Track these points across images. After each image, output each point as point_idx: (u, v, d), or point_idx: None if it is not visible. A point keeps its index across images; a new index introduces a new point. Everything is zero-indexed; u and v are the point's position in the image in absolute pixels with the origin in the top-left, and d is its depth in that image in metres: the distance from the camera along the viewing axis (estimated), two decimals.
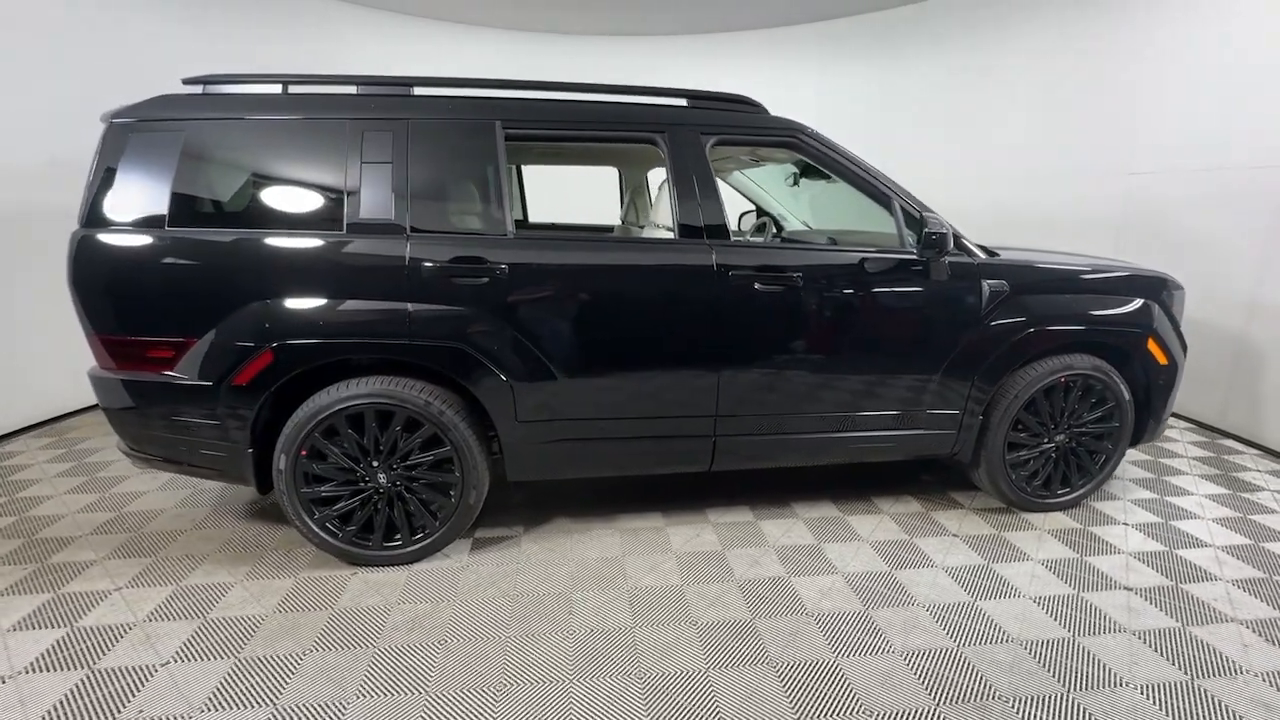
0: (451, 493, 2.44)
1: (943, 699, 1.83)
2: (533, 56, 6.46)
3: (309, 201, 2.27)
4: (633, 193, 3.69)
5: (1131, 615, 2.22)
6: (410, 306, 2.25)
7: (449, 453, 2.37)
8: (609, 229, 3.96)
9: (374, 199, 2.25)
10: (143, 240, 2.17)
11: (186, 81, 2.32)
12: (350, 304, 2.23)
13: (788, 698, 1.83)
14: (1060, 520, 2.87)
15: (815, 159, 2.60)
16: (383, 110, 2.31)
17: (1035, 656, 2.01)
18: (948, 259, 2.55)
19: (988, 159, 5.27)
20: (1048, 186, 4.87)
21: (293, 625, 2.13)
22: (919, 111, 5.71)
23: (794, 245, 2.54)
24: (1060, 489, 2.90)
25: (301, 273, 2.22)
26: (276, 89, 2.33)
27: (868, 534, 2.74)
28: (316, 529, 2.37)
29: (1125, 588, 2.37)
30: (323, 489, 2.36)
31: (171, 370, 2.24)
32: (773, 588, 2.35)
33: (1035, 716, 1.77)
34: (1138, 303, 2.76)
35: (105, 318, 2.21)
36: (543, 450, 2.47)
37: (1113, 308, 2.73)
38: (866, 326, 2.55)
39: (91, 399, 4.34)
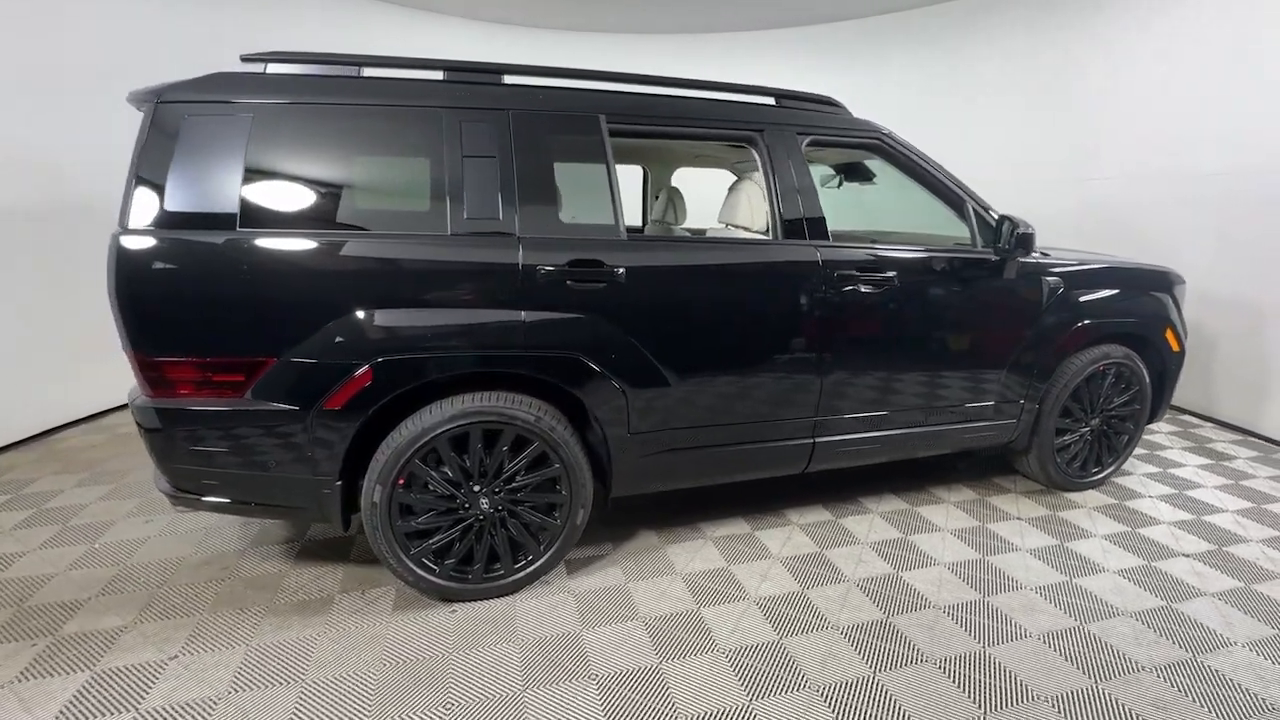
0: (556, 514, 2.26)
1: (1097, 677, 1.92)
2: (527, 51, 6.21)
3: (405, 200, 2.02)
4: (668, 192, 3.60)
5: (1201, 579, 2.44)
6: (524, 315, 2.06)
7: (557, 471, 2.20)
8: (638, 229, 3.85)
9: (479, 197, 2.04)
10: (211, 244, 1.83)
11: (246, 59, 2.00)
12: (458, 314, 2.01)
13: (964, 693, 1.85)
14: (1096, 497, 3.12)
15: (897, 162, 2.66)
16: (480, 99, 2.10)
17: (1149, 626, 2.16)
18: (1020, 259, 2.69)
19: (961, 162, 5.61)
20: (1015, 190, 5.28)
21: (416, 679, 1.88)
22: (897, 119, 5.99)
23: (887, 245, 2.57)
24: (1093, 469, 3.15)
25: (402, 280, 1.96)
26: (347, 71, 2.05)
27: (943, 524, 2.84)
28: (414, 566, 2.12)
29: (1184, 554, 2.61)
30: (418, 520, 2.11)
31: (243, 396, 1.92)
32: (888, 585, 2.38)
33: (1182, 683, 1.90)
34: (1158, 296, 3.05)
35: (158, 337, 1.85)
36: (652, 462, 2.35)
37: (1143, 301, 3.00)
38: (951, 322, 2.64)
39: (23, 432, 3.66)
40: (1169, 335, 3.07)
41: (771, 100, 2.52)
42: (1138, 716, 1.78)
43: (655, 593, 2.31)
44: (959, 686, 1.88)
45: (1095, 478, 3.16)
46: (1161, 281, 3.08)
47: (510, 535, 2.22)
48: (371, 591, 2.30)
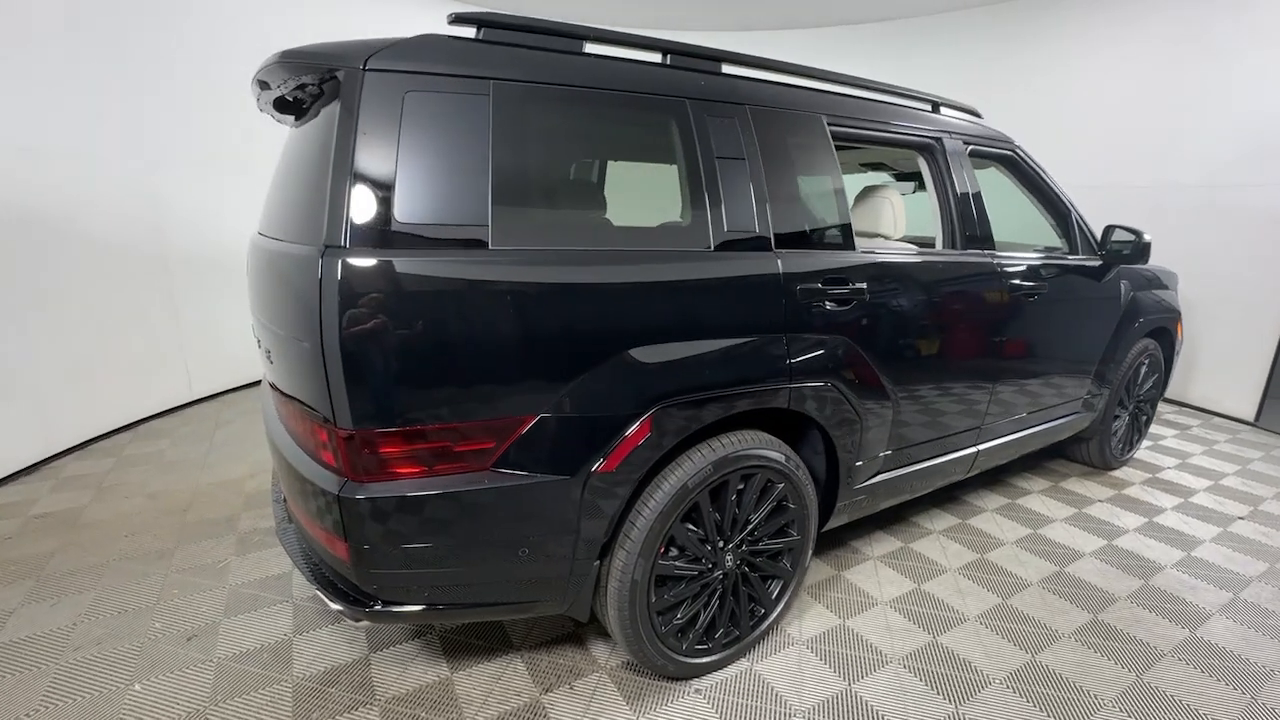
0: (784, 559, 2.03)
1: None
2: None
3: (663, 210, 1.66)
4: None
5: (1268, 538, 2.84)
6: (786, 340, 1.80)
7: (794, 514, 1.97)
8: None
9: (736, 206, 1.74)
10: (470, 271, 1.35)
11: (454, 20, 1.50)
12: (736, 344, 1.70)
13: (1217, 680, 1.96)
14: (1133, 473, 3.52)
15: (1021, 173, 2.74)
16: (721, 92, 1.78)
17: (1276, 587, 2.46)
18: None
19: None
20: None
21: None
22: None
23: (1033, 254, 2.64)
24: (1126, 448, 3.56)
25: (679, 308, 1.61)
26: (570, 46, 1.64)
27: (1048, 513, 3.02)
28: (665, 648, 1.77)
29: (1238, 517, 3.03)
30: (671, 593, 1.77)
31: (487, 468, 1.45)
32: (1064, 582, 2.46)
33: None
34: (1172, 293, 3.51)
35: (394, 399, 1.33)
36: (867, 489, 2.20)
37: (1170, 298, 3.43)
38: (1076, 324, 2.81)
39: None
40: (1178, 327, 3.55)
41: (928, 107, 2.47)
42: None
43: (880, 628, 2.17)
44: (1207, 674, 1.99)
45: (1129, 455, 3.57)
46: (1172, 280, 3.55)
47: (750, 592, 1.95)
48: (579, 683, 1.90)
